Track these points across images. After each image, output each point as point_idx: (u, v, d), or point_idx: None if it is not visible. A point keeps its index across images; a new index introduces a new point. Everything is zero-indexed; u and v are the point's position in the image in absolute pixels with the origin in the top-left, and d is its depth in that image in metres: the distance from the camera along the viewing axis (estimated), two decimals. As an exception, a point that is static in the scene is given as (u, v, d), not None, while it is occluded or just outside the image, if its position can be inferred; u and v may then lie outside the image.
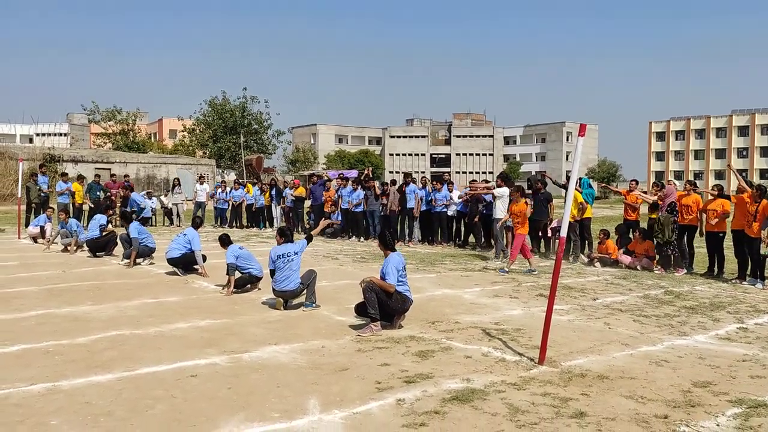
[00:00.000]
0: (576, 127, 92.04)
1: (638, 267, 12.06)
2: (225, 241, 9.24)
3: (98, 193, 19.98)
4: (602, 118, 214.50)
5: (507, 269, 11.37)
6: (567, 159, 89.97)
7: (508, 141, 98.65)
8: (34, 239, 15.24)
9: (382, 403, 4.55)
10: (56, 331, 6.51)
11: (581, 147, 5.70)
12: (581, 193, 13.39)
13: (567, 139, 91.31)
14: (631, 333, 6.94)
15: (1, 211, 27.85)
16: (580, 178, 13.99)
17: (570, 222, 12.49)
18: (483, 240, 15.69)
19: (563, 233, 5.86)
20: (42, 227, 15.34)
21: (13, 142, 63.99)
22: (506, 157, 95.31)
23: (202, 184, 22.41)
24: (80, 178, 20.16)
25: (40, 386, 4.76)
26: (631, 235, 13.13)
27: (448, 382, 5.03)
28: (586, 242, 13.76)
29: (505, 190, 13.11)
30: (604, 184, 26.56)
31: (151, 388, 4.79)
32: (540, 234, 14.47)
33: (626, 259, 12.31)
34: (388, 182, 17.74)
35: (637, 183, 14.14)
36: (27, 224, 16.92)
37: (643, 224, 13.44)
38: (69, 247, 13.24)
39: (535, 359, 5.69)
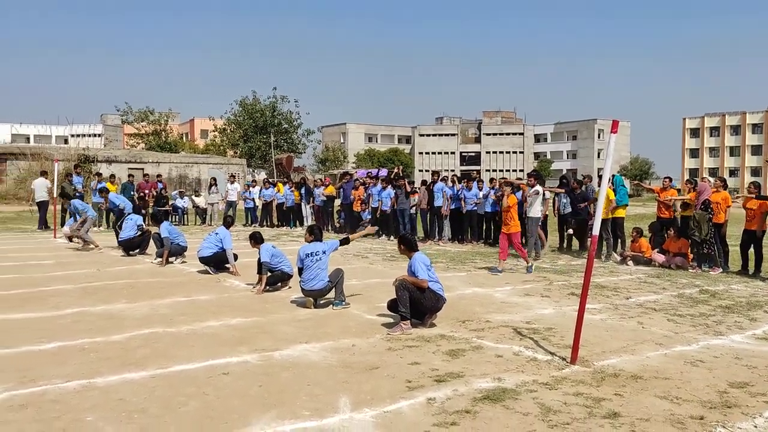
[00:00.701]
0: (608, 124, 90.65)
1: (672, 265, 11.83)
2: (257, 239, 9.30)
3: (132, 192, 20.36)
4: (635, 114, 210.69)
5: (531, 268, 11.19)
6: (599, 156, 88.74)
7: (538, 138, 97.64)
8: (69, 238, 15.57)
9: (412, 402, 4.54)
10: (91, 328, 6.64)
11: (614, 144, 5.59)
12: (615, 192, 13.21)
13: (599, 137, 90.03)
14: (666, 332, 6.81)
15: (37, 210, 28.47)
16: (614, 176, 13.79)
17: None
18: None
19: (595, 231, 5.77)
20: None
21: (48, 143, 65.51)
22: (537, 155, 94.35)
23: (233, 183, 22.67)
24: (112, 178, 20.57)
25: (76, 383, 4.85)
26: (665, 234, 12.88)
27: (479, 382, 5.00)
28: (619, 240, 13.55)
29: (538, 189, 13.03)
30: (636, 182, 26.17)
31: (184, 385, 4.85)
32: (571, 232, 14.31)
33: (660, 258, 12.09)
34: (420, 182, 17.74)
35: (670, 180, 13.86)
36: (62, 224, 17.31)
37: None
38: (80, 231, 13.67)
39: (567, 359, 5.62)
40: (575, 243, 14.80)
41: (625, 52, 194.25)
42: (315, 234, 8.24)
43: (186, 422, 4.12)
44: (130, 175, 22.61)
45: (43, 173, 19.64)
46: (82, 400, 4.49)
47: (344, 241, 8.46)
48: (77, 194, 18.96)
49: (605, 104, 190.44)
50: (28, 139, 75.37)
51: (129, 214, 13.76)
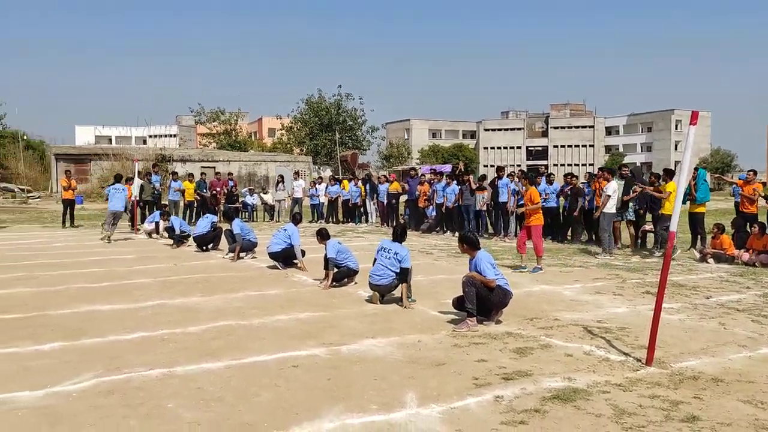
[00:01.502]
0: (686, 115, 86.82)
1: (757, 263, 11.25)
2: (324, 236, 9.45)
3: (204, 190, 21.10)
4: (715, 104, 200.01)
5: (540, 266, 10.67)
6: (676, 149, 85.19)
7: (610, 131, 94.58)
8: (149, 234, 16.29)
9: (479, 399, 4.52)
10: (170, 320, 6.93)
11: (693, 136, 5.35)
12: (697, 187, 12.69)
13: (676, 128, 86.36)
14: (749, 334, 6.49)
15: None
16: (697, 169, 13.24)
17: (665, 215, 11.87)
18: (584, 234, 15.23)
19: (673, 227, 5.57)
20: (156, 223, 16.37)
21: (128, 144, 68.59)
22: (608, 148, 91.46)
23: (297, 180, 23.12)
24: (190, 176, 21.39)
25: (158, 371, 5.09)
26: (748, 230, 12.26)
27: (548, 381, 4.92)
28: (699, 237, 13.00)
29: (614, 185, 12.70)
30: (717, 175, 25.04)
31: (257, 376, 5.00)
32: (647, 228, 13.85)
33: (744, 255, 11.51)
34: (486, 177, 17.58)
35: (755, 173, 13.16)
36: (143, 221, 18.11)
37: (762, 218, 12.54)
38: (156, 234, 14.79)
39: (642, 360, 5.45)
40: (649, 240, 14.29)
41: (702, 38, 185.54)
42: (396, 234, 8.16)
43: (260, 412, 4.26)
44: (202, 173, 23.45)
45: (139, 173, 20.80)
46: (163, 388, 4.70)
47: (401, 277, 7.80)
48: (155, 192, 19.84)
49: (683, 94, 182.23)
50: (110, 140, 79.05)
51: (188, 234, 14.33)
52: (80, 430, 3.92)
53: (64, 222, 19.42)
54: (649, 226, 13.73)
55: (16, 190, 36.47)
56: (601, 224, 12.81)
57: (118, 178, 16.53)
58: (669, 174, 12.94)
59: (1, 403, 4.36)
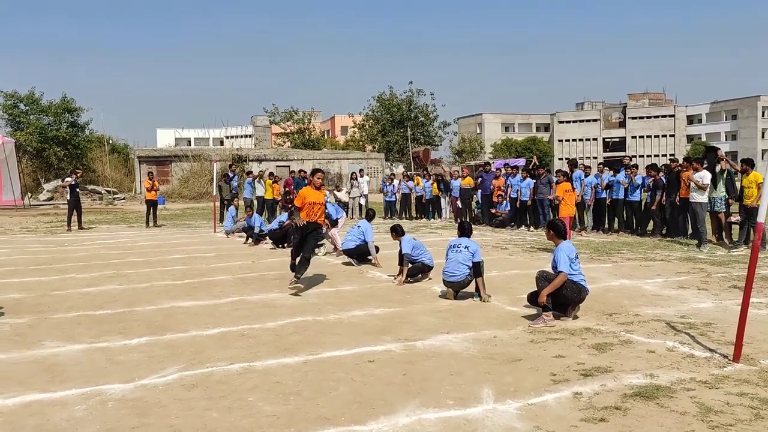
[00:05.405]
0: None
1: None
2: (399, 232, 9.50)
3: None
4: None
5: None
6: (763, 137, 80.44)
7: (692, 120, 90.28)
8: (227, 233, 16.84)
9: (558, 395, 4.44)
10: (249, 316, 7.16)
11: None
12: None
13: (763, 115, 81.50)
14: None
15: (199, 207, 31.14)
16: None
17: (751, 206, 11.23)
18: (664, 227, 14.67)
19: (761, 218, 5.28)
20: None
21: (206, 145, 71.06)
22: (690, 138, 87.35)
23: (360, 177, 23.41)
24: (271, 175, 21.99)
25: (238, 366, 5.26)
26: None
27: (629, 377, 4.78)
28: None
29: (705, 174, 12.20)
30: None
31: (333, 371, 5.10)
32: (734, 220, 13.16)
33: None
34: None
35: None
36: (221, 220, 18.76)
37: None
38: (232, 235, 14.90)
39: (728, 356, 5.21)
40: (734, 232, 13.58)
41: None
42: (462, 230, 8.27)
43: (337, 405, 4.34)
44: (300, 171, 24.08)
45: (249, 173, 21.81)
46: (243, 381, 4.87)
47: (475, 272, 7.80)
48: (232, 192, 20.50)
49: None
50: (189, 142, 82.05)
51: (261, 231, 14.74)
52: (167, 422, 4.11)
53: (147, 222, 20.32)
54: (734, 218, 13.04)
55: (102, 192, 38.48)
56: (700, 216, 12.27)
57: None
58: (748, 163, 12.32)
59: (94, 394, 4.62)
